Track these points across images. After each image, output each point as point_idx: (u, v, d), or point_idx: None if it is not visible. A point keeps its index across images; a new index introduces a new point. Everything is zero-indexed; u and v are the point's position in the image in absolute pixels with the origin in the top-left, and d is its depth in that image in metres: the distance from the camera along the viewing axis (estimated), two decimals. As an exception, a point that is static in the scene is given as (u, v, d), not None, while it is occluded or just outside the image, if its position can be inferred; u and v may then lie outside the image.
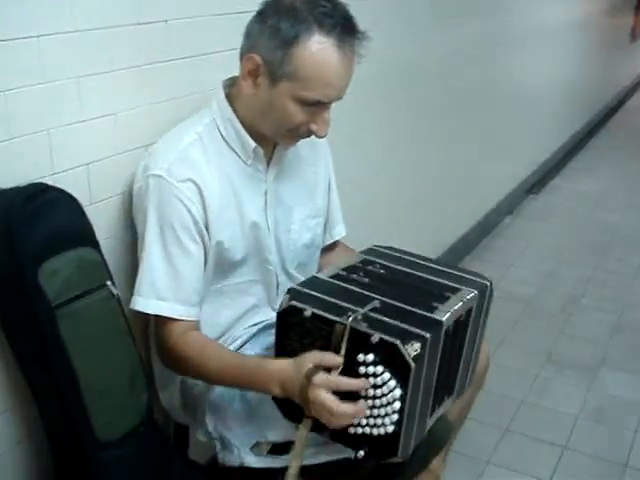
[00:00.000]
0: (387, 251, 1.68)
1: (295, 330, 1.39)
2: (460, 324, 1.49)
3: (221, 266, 1.56)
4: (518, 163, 4.73)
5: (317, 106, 1.45)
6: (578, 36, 5.74)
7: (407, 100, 2.89)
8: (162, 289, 1.48)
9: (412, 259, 1.65)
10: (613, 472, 2.35)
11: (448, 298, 1.47)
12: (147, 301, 1.48)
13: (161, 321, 1.50)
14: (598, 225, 4.48)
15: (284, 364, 1.37)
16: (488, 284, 1.58)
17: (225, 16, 1.76)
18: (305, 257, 1.71)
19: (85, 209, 1.45)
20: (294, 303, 1.39)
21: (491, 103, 3.95)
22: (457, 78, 3.39)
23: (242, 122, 1.53)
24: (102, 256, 1.43)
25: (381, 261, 1.60)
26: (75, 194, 1.42)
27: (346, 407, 1.31)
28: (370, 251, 1.67)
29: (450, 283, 1.54)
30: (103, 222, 1.55)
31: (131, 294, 1.59)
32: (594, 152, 6.06)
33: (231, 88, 1.56)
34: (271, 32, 1.40)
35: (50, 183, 1.41)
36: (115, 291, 1.42)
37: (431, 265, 1.64)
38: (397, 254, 1.67)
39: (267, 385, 1.39)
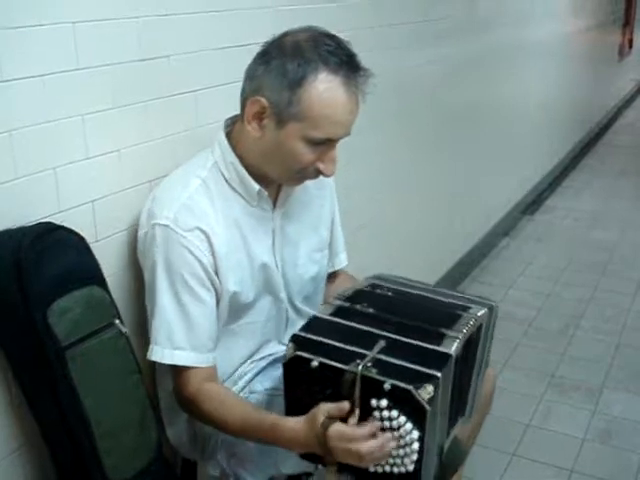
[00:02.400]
0: (393, 277, 1.68)
1: (303, 380, 1.37)
2: (472, 343, 1.49)
3: (233, 309, 1.56)
4: (512, 184, 4.74)
5: (325, 145, 1.45)
6: (567, 54, 5.80)
7: (400, 122, 2.90)
8: (178, 339, 1.47)
9: (418, 284, 1.66)
10: (622, 495, 2.34)
11: (459, 316, 1.47)
12: (163, 351, 1.47)
13: (178, 370, 1.49)
14: (595, 244, 4.49)
15: (297, 424, 1.35)
16: (494, 304, 1.60)
17: (226, 50, 1.78)
18: (311, 289, 1.71)
19: (91, 246, 1.44)
20: (300, 354, 1.37)
21: (483, 125, 3.97)
22: (450, 101, 3.41)
23: (245, 165, 1.52)
24: (109, 294, 1.42)
25: (388, 285, 1.60)
26: (81, 231, 1.41)
27: (371, 444, 1.29)
28: (376, 277, 1.67)
29: (459, 302, 1.55)
30: (109, 258, 1.54)
31: (138, 330, 1.60)
32: (587, 171, 6.10)
33: (232, 128, 1.55)
34: (277, 73, 1.39)
35: (57, 221, 1.40)
36: (124, 329, 1.41)
37: (439, 290, 1.64)
38: (403, 280, 1.67)
39: (286, 446, 1.40)
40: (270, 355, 1.65)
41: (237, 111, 1.53)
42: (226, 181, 1.53)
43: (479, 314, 1.50)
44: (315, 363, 1.34)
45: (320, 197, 1.73)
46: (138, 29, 1.54)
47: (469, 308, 1.51)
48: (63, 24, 1.38)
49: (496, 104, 4.16)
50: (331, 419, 1.30)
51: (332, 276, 1.85)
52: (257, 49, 1.47)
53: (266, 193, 1.55)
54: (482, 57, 3.80)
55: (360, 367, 1.30)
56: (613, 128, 7.71)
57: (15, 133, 1.32)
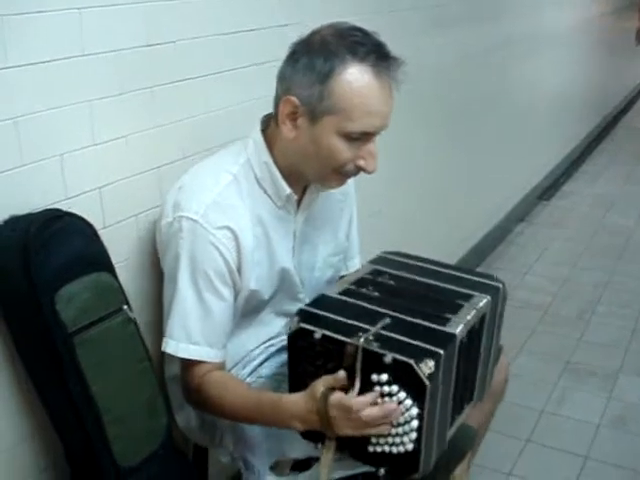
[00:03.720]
0: (396, 258, 1.67)
1: (306, 352, 1.38)
2: (474, 332, 1.47)
3: (250, 305, 1.56)
4: (529, 169, 4.71)
5: (362, 140, 1.42)
6: (584, 40, 5.74)
7: (415, 108, 2.88)
8: (194, 333, 1.47)
9: (422, 265, 1.64)
10: (637, 480, 2.32)
11: (461, 306, 1.46)
12: (178, 345, 1.47)
13: (190, 363, 1.49)
14: (612, 229, 4.45)
15: (297, 398, 1.35)
16: (500, 286, 1.57)
17: (234, 35, 1.76)
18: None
19: (99, 233, 1.44)
20: (303, 325, 1.37)
21: (499, 109, 3.94)
22: (466, 85, 3.38)
23: (278, 166, 1.50)
24: (118, 280, 1.42)
25: (391, 270, 1.59)
26: (89, 218, 1.41)
27: (372, 411, 1.28)
28: (379, 259, 1.66)
29: (462, 290, 1.53)
30: (117, 245, 1.53)
31: (148, 316, 1.60)
32: (604, 156, 6.04)
33: (268, 126, 1.52)
34: (305, 70, 1.38)
35: (64, 207, 1.40)
36: (132, 315, 1.41)
37: (442, 270, 1.63)
38: (406, 260, 1.66)
39: (287, 423, 1.38)
40: (280, 341, 1.65)
41: (246, 97, 1.52)
42: (256, 180, 1.51)
43: (481, 304, 1.48)
44: (318, 335, 1.34)
45: (342, 202, 1.72)
46: (144, 15, 1.53)
47: (471, 297, 1.50)
48: (69, 10, 1.37)
49: (513, 90, 4.13)
50: (331, 390, 1.29)
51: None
52: (265, 34, 1.47)
53: (295, 197, 1.54)
54: (500, 42, 3.77)
55: (362, 340, 1.29)
56: (630, 113, 7.63)
57: (21, 120, 1.32)
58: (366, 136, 1.42)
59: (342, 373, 1.30)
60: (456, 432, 1.52)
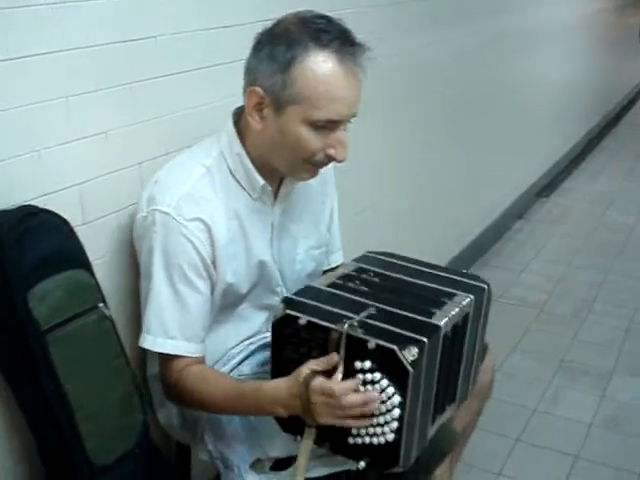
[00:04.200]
0: (381, 257, 1.66)
1: (291, 340, 1.37)
2: (458, 330, 1.46)
3: (227, 299, 1.54)
4: (528, 166, 4.68)
5: (330, 128, 1.40)
6: (586, 36, 5.71)
7: (413, 103, 2.87)
8: (171, 328, 1.46)
9: (407, 264, 1.63)
10: (627, 481, 2.31)
11: (444, 304, 1.45)
12: (155, 339, 1.46)
13: (167, 358, 1.48)
14: (610, 227, 4.43)
15: (280, 382, 1.35)
16: (485, 287, 1.55)
17: (215, 30, 1.75)
18: None
19: (78, 229, 1.44)
20: (289, 312, 1.37)
21: (499, 105, 3.93)
22: (464, 81, 3.37)
23: (251, 157, 1.49)
24: (94, 277, 1.41)
25: (375, 269, 1.58)
26: (67, 214, 1.40)
27: (354, 397, 1.27)
28: (364, 258, 1.64)
29: (445, 288, 1.52)
30: (97, 241, 1.53)
31: (127, 313, 1.59)
32: (605, 153, 6.01)
33: (240, 118, 1.51)
34: (268, 60, 1.37)
35: (41, 204, 1.39)
36: (108, 312, 1.40)
37: (426, 270, 1.61)
38: (391, 259, 1.65)
39: (270, 408, 1.38)
40: (260, 339, 1.64)
41: (229, 93, 1.51)
42: (230, 172, 1.50)
43: (464, 303, 1.47)
44: (303, 321, 1.34)
45: (322, 194, 1.71)
46: (123, 9, 1.51)
47: (454, 295, 1.48)
48: (44, 6, 1.36)
49: (512, 85, 4.11)
50: (315, 373, 1.28)
51: (329, 272, 1.82)
52: (247, 30, 1.45)
53: (270, 188, 1.53)
54: (499, 37, 3.75)
55: (346, 326, 1.29)
56: (633, 110, 7.58)
57: (-5, 115, 1.31)
58: (333, 124, 1.39)
59: (331, 358, 1.29)
60: (437, 432, 1.51)
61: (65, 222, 1.38)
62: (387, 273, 1.57)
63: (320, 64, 1.35)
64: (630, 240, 4.23)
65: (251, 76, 1.41)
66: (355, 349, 1.29)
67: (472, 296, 1.50)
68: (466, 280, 1.58)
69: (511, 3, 3.94)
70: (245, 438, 1.55)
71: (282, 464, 1.55)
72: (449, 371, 1.48)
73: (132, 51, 1.55)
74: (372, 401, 1.28)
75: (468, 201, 3.68)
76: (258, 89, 1.38)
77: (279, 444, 1.51)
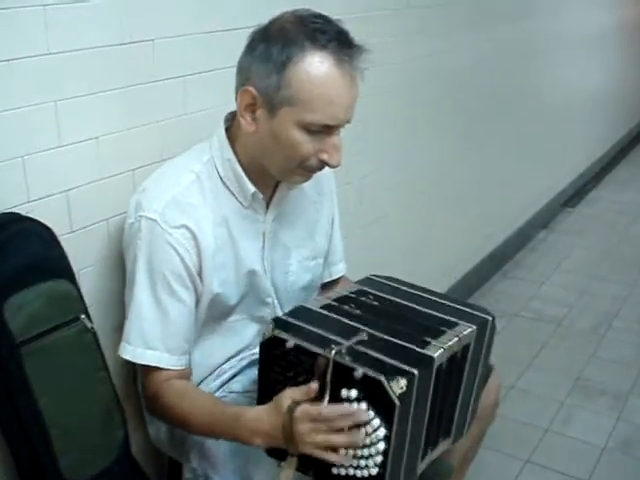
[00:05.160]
0: (384, 281, 1.60)
1: (278, 362, 1.32)
2: (455, 361, 1.39)
3: (215, 310, 1.50)
4: (554, 174, 4.59)
5: (324, 132, 1.35)
6: (616, 43, 5.58)
7: (436, 108, 2.81)
8: (152, 338, 1.41)
9: (410, 290, 1.57)
10: (639, 509, 2.22)
11: (443, 332, 1.38)
12: (135, 350, 1.42)
13: (148, 369, 1.44)
14: (636, 240, 4.31)
15: (261, 412, 1.29)
16: (490, 319, 1.48)
17: (215, 34, 1.70)
18: (302, 298, 1.62)
19: (64, 237, 1.40)
20: (277, 333, 1.32)
21: (526, 111, 3.85)
22: (491, 86, 3.31)
23: (242, 163, 1.44)
24: (77, 288, 1.37)
25: (375, 292, 1.52)
26: (53, 222, 1.37)
27: (340, 438, 1.22)
28: (366, 281, 1.59)
29: (447, 317, 1.45)
30: (86, 250, 1.49)
31: (114, 325, 1.55)
32: (635, 163, 5.86)
33: (232, 123, 1.47)
34: (262, 59, 1.32)
35: (26, 212, 1.36)
36: (90, 325, 1.36)
37: (430, 297, 1.55)
38: (394, 284, 1.58)
39: (247, 439, 1.32)
40: (251, 354, 1.58)
41: (226, 99, 1.46)
42: (220, 178, 1.45)
43: (465, 333, 1.39)
44: (290, 344, 1.28)
45: (318, 202, 1.65)
46: (119, 12, 1.47)
47: (456, 325, 1.42)
48: (33, 7, 1.32)
49: (539, 92, 4.03)
50: (297, 403, 1.23)
51: (331, 284, 1.77)
52: (245, 35, 1.40)
53: (261, 196, 1.48)
54: (528, 44, 3.69)
55: (333, 352, 1.23)
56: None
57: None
58: (328, 128, 1.34)
59: (312, 386, 1.23)
60: (430, 467, 1.45)
61: (48, 230, 1.34)
62: (388, 297, 1.51)
63: (316, 66, 1.29)
64: (656, 254, 4.10)
65: (244, 75, 1.36)
66: (342, 376, 1.23)
67: (474, 326, 1.43)
68: (471, 311, 1.51)
69: (541, 9, 3.84)
70: (230, 460, 1.49)
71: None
72: (443, 404, 1.41)
73: (128, 54, 1.51)
74: (359, 422, 1.21)
75: (490, 210, 3.61)
76: (251, 89, 1.33)
77: (265, 469, 1.44)
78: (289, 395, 1.25)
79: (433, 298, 1.54)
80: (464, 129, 3.14)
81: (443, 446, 1.47)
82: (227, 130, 1.46)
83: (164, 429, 1.60)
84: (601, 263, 4.00)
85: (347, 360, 1.23)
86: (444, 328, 1.40)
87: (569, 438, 2.54)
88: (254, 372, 1.54)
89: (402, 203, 2.73)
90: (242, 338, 1.58)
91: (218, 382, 1.57)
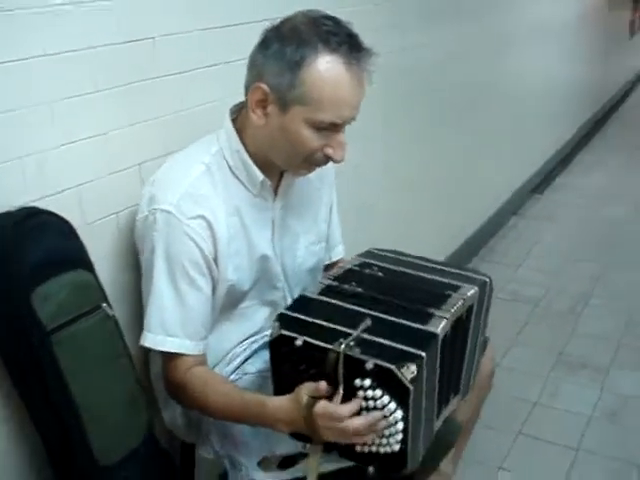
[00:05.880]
0: (385, 253, 1.66)
1: (288, 358, 1.37)
2: (461, 323, 1.47)
3: (230, 297, 1.55)
4: (521, 163, 4.70)
5: (331, 129, 1.42)
6: (577, 33, 5.73)
7: (405, 102, 2.88)
8: (171, 325, 1.46)
9: (411, 260, 1.64)
10: (628, 472, 2.32)
11: (449, 296, 1.46)
12: (156, 337, 1.46)
13: (169, 357, 1.48)
14: (605, 221, 4.44)
15: (283, 402, 1.35)
16: (488, 280, 1.57)
17: (212, 31, 1.75)
18: (309, 281, 1.69)
19: (79, 230, 1.43)
20: (284, 332, 1.36)
21: (491, 103, 3.94)
22: (457, 79, 3.38)
23: (250, 153, 1.50)
24: (96, 278, 1.41)
25: (379, 263, 1.58)
26: (67, 216, 1.40)
27: (358, 422, 1.28)
28: (368, 254, 1.65)
29: (450, 281, 1.53)
30: (98, 243, 1.52)
31: (131, 314, 1.59)
32: (598, 148, 6.03)
33: (238, 115, 1.52)
34: (276, 58, 1.37)
35: (42, 206, 1.39)
36: (111, 312, 1.41)
37: (430, 265, 1.62)
38: (395, 255, 1.65)
39: (272, 425, 1.38)
40: (262, 337, 1.64)
41: (227, 92, 1.52)
42: (229, 169, 1.51)
43: (469, 294, 1.48)
44: (299, 342, 1.33)
45: (320, 190, 1.72)
46: (120, 11, 1.52)
47: (459, 288, 1.49)
48: (46, 7, 1.37)
49: (506, 83, 4.14)
50: (315, 398, 1.28)
51: (331, 266, 1.83)
52: (246, 30, 1.45)
53: (269, 183, 1.53)
54: (491, 37, 3.77)
55: (343, 346, 1.28)
56: (624, 105, 7.62)
57: (-4, 119, 1.31)
58: (335, 126, 1.41)
59: (323, 384, 1.29)
60: (442, 425, 1.52)
61: (66, 222, 1.38)
62: (391, 267, 1.58)
63: (329, 68, 1.36)
64: (624, 234, 4.24)
65: (256, 72, 1.41)
66: (353, 368, 1.28)
67: (476, 287, 1.51)
68: (469, 274, 1.59)
69: (501, 2, 3.95)
70: (252, 437, 1.55)
71: (288, 461, 1.55)
72: (452, 365, 1.49)
73: (131, 52, 1.55)
74: (376, 422, 1.29)
75: (463, 198, 3.69)
76: (264, 86, 1.39)
77: (287, 441, 1.50)
78: (306, 390, 1.30)
79: (432, 265, 1.62)
80: (436, 123, 3.22)
81: (453, 403, 1.55)
82: (233, 122, 1.51)
83: (180, 414, 1.65)
84: (572, 245, 4.12)
85: (357, 352, 1.28)
86: (449, 292, 1.47)
87: (557, 410, 2.65)
88: (266, 353, 1.60)
89: (377, 194, 2.79)
90: (253, 323, 1.64)
91: (232, 366, 1.62)
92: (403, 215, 3.02)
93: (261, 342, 1.64)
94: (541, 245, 4.14)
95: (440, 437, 1.53)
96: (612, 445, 2.45)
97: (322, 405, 1.28)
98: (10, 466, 1.43)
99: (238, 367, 1.62)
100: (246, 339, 1.64)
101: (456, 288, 1.50)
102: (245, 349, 1.64)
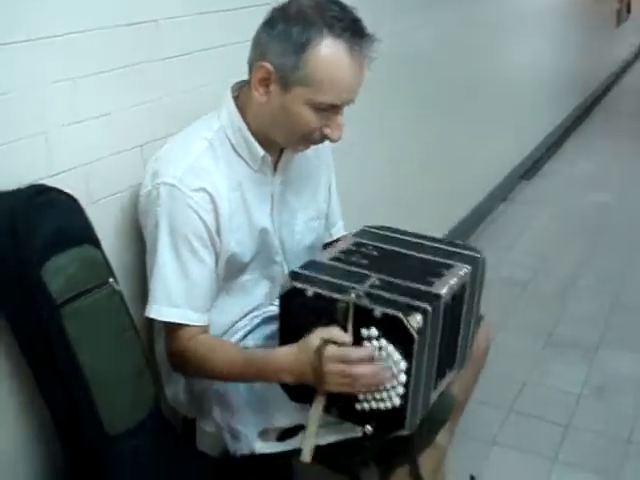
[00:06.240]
0: (379, 231, 1.71)
1: (298, 311, 1.42)
2: (456, 299, 1.52)
3: (231, 268, 1.59)
4: (509, 150, 4.75)
5: (330, 110, 1.47)
6: (565, 22, 5.79)
7: (399, 89, 2.92)
8: (176, 297, 1.50)
9: (404, 237, 1.69)
10: (616, 447, 2.38)
11: (443, 275, 1.51)
12: (161, 309, 1.51)
13: (172, 327, 1.53)
14: (591, 207, 4.51)
15: (289, 349, 1.40)
16: (481, 257, 1.62)
17: (215, 14, 1.79)
18: (307, 257, 1.71)
19: (85, 208, 1.47)
20: (296, 284, 1.42)
21: (482, 92, 3.99)
22: (446, 67, 3.42)
23: (251, 130, 1.54)
24: (103, 254, 1.45)
25: (373, 242, 1.63)
26: (74, 194, 1.44)
27: (364, 369, 1.34)
28: (361, 233, 1.70)
29: (443, 260, 1.58)
30: (103, 221, 1.55)
31: (134, 289, 1.63)
32: (585, 136, 6.10)
33: (240, 93, 1.57)
34: (281, 38, 1.41)
35: (49, 184, 1.42)
36: (117, 287, 1.45)
37: (423, 242, 1.67)
38: (388, 233, 1.70)
39: (277, 375, 1.43)
40: (263, 312, 1.69)
41: (227, 74, 1.55)
42: (231, 145, 1.55)
43: (461, 272, 1.53)
44: (310, 292, 1.39)
45: (319, 167, 1.76)
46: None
47: (452, 266, 1.54)
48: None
49: (495, 72, 4.19)
50: (326, 342, 1.34)
51: (330, 244, 1.87)
52: (246, 13, 1.49)
53: (270, 158, 1.58)
54: (481, 25, 3.81)
55: (353, 295, 1.35)
56: (611, 93, 7.68)
57: (3, 98, 1.34)
58: (333, 108, 1.46)
59: (337, 329, 1.35)
60: (438, 399, 1.57)
61: (74, 199, 1.42)
62: (385, 246, 1.63)
63: (332, 52, 1.41)
64: (610, 219, 4.31)
65: (260, 50, 1.46)
66: (362, 318, 1.34)
67: (469, 266, 1.56)
68: (462, 251, 1.64)
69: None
70: (252, 410, 1.60)
71: (287, 433, 1.60)
72: (449, 337, 1.54)
73: (134, 34, 1.59)
74: (381, 371, 1.34)
75: (453, 184, 3.73)
76: (267, 65, 1.43)
77: (285, 414, 1.56)
78: (318, 335, 1.35)
79: (425, 242, 1.67)
80: (424, 110, 3.25)
81: (449, 377, 1.61)
82: (235, 99, 1.56)
83: (182, 390, 1.69)
84: (560, 230, 4.19)
85: (366, 302, 1.35)
86: (442, 270, 1.52)
87: (547, 387, 2.71)
88: (267, 328, 1.66)
89: (367, 181, 2.83)
90: (254, 297, 1.68)
91: (233, 340, 1.66)
92: (394, 199, 3.06)
93: (261, 317, 1.69)
94: (530, 230, 4.20)
95: (436, 410, 1.58)
96: (600, 421, 2.51)
97: (332, 348, 1.33)
98: (18, 438, 1.48)
99: (239, 341, 1.67)
100: (246, 315, 1.68)
101: (449, 267, 1.54)
102: (246, 324, 1.68)
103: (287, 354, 1.40)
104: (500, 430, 2.47)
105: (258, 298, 1.69)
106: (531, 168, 5.13)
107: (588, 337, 3.03)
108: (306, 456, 1.41)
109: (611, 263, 3.73)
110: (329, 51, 1.40)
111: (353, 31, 1.42)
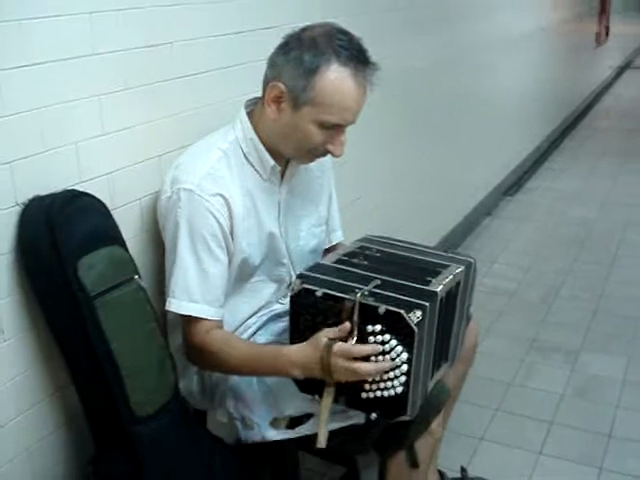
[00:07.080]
0: (380, 239, 1.87)
1: (308, 310, 1.57)
2: (451, 295, 1.68)
3: (242, 270, 1.74)
4: (493, 167, 4.93)
5: (334, 129, 1.64)
6: (547, 43, 6.00)
7: (386, 108, 3.06)
8: (194, 292, 1.64)
9: (403, 244, 1.85)
10: (598, 442, 2.52)
11: (439, 273, 1.67)
12: (180, 303, 1.65)
13: (190, 320, 1.67)
14: (573, 222, 4.69)
15: (299, 347, 1.56)
16: (472, 260, 1.78)
17: (225, 37, 1.95)
18: (311, 260, 1.88)
19: (109, 213, 1.61)
20: (306, 286, 1.57)
21: (469, 110, 4.16)
22: (431, 86, 3.58)
23: (262, 142, 1.70)
24: (129, 253, 1.59)
25: (375, 246, 1.79)
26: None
27: (369, 366, 1.49)
28: (365, 239, 1.86)
29: (439, 261, 1.74)
30: (123, 226, 1.69)
31: (153, 287, 1.77)
32: (567, 153, 6.31)
33: (254, 109, 1.73)
34: (295, 63, 1.58)
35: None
36: (142, 284, 1.59)
37: (421, 249, 1.83)
38: (389, 240, 1.86)
39: (288, 370, 1.58)
40: (271, 311, 1.84)
41: (238, 92, 1.69)
42: (244, 155, 1.71)
43: (457, 271, 1.69)
44: (319, 293, 1.54)
45: (320, 178, 1.93)
46: (145, 18, 1.71)
47: (448, 266, 1.70)
48: (81, 15, 1.55)
49: (480, 92, 4.37)
50: (333, 340, 1.49)
51: (329, 250, 2.03)
52: (254, 37, 1.64)
53: (279, 168, 1.74)
54: (464, 46, 3.98)
55: (359, 295, 1.50)
56: (592, 113, 7.92)
57: (42, 111, 1.49)
58: (337, 127, 1.64)
59: (346, 325, 1.50)
60: (433, 388, 1.72)
61: (103, 204, 1.57)
62: (386, 250, 1.79)
63: (338, 78, 1.58)
64: (592, 233, 4.48)
65: (275, 71, 1.62)
66: (366, 315, 1.50)
67: (463, 266, 1.72)
68: (456, 256, 1.80)
69: (473, 13, 4.16)
70: (264, 400, 1.74)
71: (296, 422, 1.74)
72: (444, 332, 1.70)
73: (153, 56, 1.74)
74: (384, 365, 1.50)
75: (439, 200, 3.89)
76: (281, 85, 1.60)
77: (294, 404, 1.71)
78: (325, 334, 1.52)
79: (422, 249, 1.83)
80: (413, 129, 3.42)
81: (444, 368, 1.76)
82: (248, 114, 1.72)
83: (196, 382, 1.83)
84: (543, 244, 4.36)
85: (370, 300, 1.51)
86: (439, 269, 1.68)
87: (532, 389, 2.86)
88: (275, 325, 1.82)
89: (359, 192, 2.96)
90: (262, 297, 1.83)
91: (244, 336, 1.80)
92: (383, 213, 3.20)
93: (269, 315, 1.84)
94: (514, 243, 4.37)
95: (432, 398, 1.73)
96: (582, 418, 2.66)
97: (339, 344, 1.49)
98: (49, 424, 1.61)
99: (249, 338, 1.81)
100: (255, 313, 1.83)
101: (445, 266, 1.71)
102: (255, 322, 1.83)
103: (298, 352, 1.56)
104: (488, 427, 2.61)
105: (266, 298, 1.83)
106: (515, 184, 5.31)
107: (570, 342, 3.19)
108: (322, 442, 1.57)
109: (592, 273, 3.90)
110: (335, 76, 1.57)
111: (358, 60, 1.59)
